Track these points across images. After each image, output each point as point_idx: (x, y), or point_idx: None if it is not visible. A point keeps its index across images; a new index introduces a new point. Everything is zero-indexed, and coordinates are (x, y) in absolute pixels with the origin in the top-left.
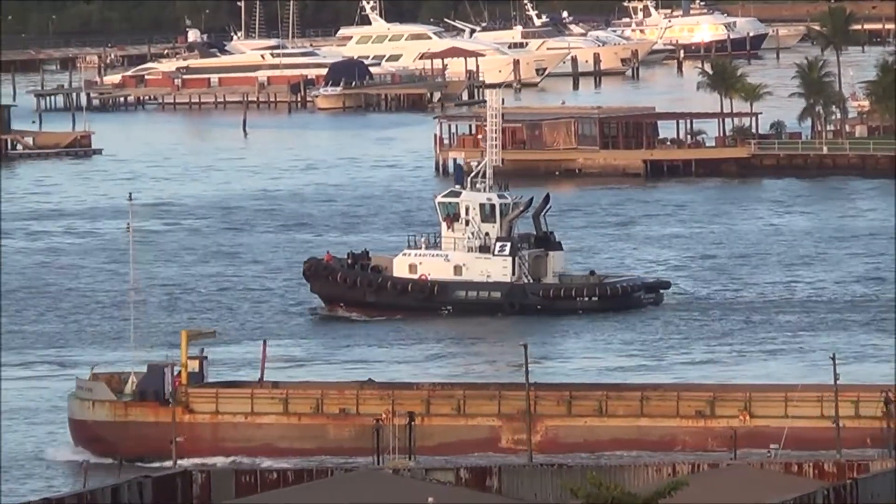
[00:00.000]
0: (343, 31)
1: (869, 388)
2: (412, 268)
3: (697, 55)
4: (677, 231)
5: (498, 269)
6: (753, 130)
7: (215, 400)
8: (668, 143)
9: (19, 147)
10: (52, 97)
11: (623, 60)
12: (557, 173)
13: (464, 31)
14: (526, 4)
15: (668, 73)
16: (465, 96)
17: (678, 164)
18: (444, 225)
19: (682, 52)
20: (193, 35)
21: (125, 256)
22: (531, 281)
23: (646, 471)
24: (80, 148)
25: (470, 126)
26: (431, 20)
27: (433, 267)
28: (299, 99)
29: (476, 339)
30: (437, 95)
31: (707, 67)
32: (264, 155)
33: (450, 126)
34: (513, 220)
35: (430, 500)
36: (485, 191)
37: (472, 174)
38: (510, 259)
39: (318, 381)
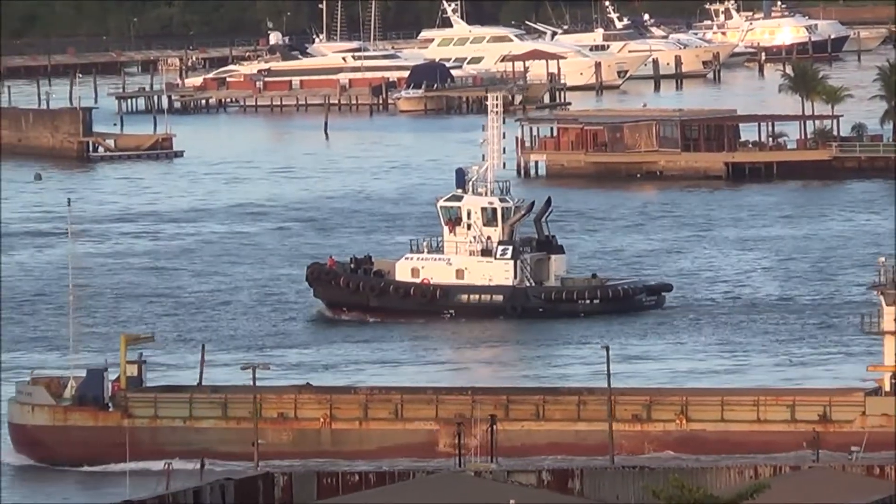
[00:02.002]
0: (424, 34)
1: (806, 391)
2: (414, 272)
3: (779, 58)
4: (758, 234)
5: (500, 272)
6: (835, 133)
7: (154, 404)
8: (750, 145)
9: (101, 149)
10: (134, 99)
11: (704, 63)
12: (639, 175)
13: (545, 33)
14: (607, 7)
15: (749, 75)
16: (546, 99)
17: (759, 167)
18: (446, 229)
19: (763, 54)
20: (275, 37)
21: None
22: (533, 284)
23: (728, 473)
24: (161, 150)
25: (551, 129)
26: (513, 22)
27: (435, 271)
28: (381, 101)
29: (477, 342)
30: (518, 98)
31: (788, 70)
32: (346, 157)
33: (531, 128)
34: (515, 223)
35: (512, 502)
36: (487, 195)
37: (474, 178)
38: (512, 262)
39: (256, 386)
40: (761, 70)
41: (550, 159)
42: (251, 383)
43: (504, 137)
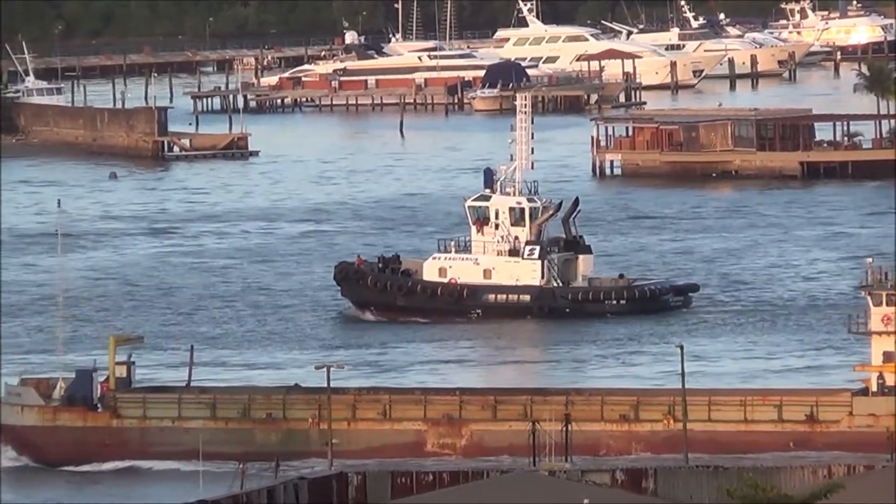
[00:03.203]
0: (500, 33)
1: (793, 392)
2: (442, 271)
3: (854, 57)
4: (834, 232)
5: (527, 272)
6: None
7: (143, 405)
8: (825, 144)
9: (176, 149)
10: (209, 99)
11: (780, 62)
12: (714, 175)
13: (621, 32)
14: (683, 6)
15: (824, 74)
16: (622, 98)
17: (835, 166)
18: (473, 229)
19: (838, 53)
20: (351, 37)
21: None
22: (560, 284)
23: (802, 472)
24: (236, 150)
25: (627, 128)
26: (588, 22)
27: (463, 270)
28: (456, 101)
29: (505, 342)
30: (594, 97)
31: (864, 69)
32: (422, 156)
33: (606, 128)
34: (542, 223)
35: (586, 501)
36: (514, 195)
37: (502, 178)
38: (539, 262)
39: (245, 386)
40: (837, 69)
41: (625, 159)
42: (326, 383)
43: (533, 138)
